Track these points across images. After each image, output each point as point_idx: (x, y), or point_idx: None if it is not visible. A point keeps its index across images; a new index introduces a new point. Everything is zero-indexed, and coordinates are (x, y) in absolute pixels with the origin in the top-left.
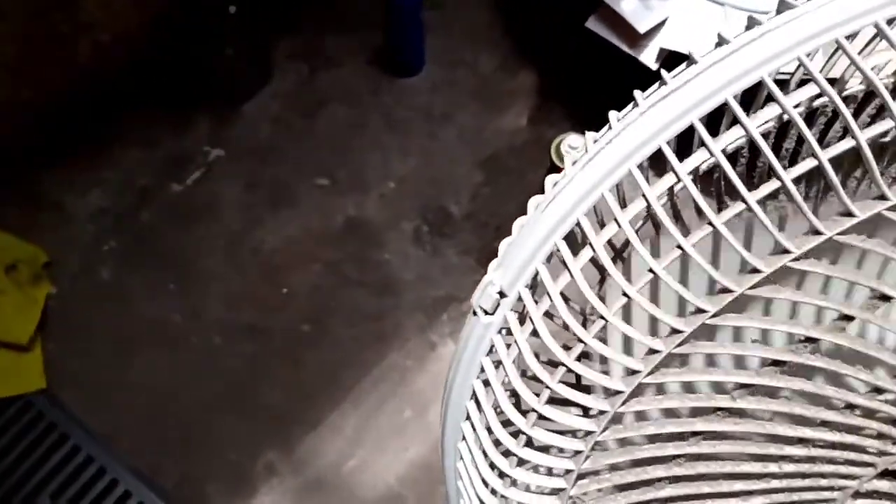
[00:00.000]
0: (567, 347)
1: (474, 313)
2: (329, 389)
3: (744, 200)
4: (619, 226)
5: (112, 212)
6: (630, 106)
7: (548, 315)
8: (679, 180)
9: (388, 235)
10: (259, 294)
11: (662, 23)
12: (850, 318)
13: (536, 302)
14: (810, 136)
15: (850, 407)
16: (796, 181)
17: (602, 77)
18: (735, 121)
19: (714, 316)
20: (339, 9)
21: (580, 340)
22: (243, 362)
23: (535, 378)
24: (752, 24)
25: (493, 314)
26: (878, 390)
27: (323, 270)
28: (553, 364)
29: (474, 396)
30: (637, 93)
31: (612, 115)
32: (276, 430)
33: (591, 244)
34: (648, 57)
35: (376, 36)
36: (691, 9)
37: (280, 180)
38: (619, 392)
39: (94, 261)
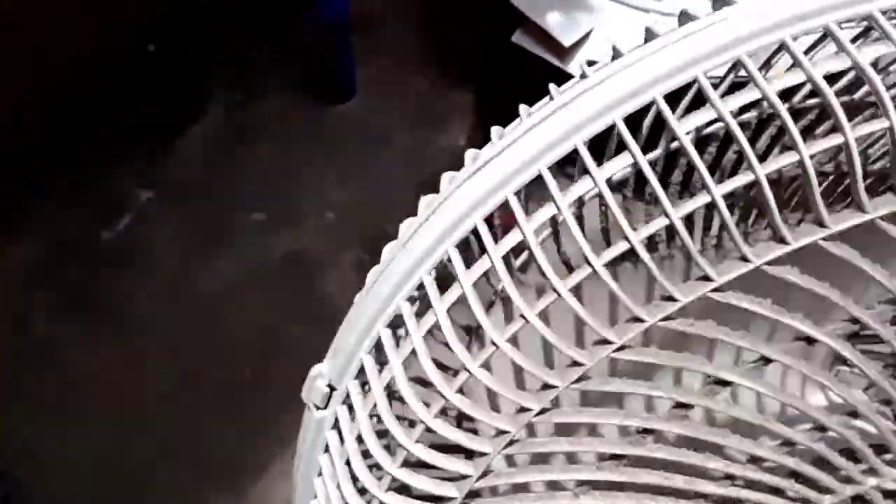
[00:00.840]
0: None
1: (308, 408)
2: (277, 434)
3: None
4: (437, 316)
5: (40, 266)
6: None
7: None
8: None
9: (329, 268)
10: (199, 340)
11: (589, 34)
12: (725, 383)
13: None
14: (747, 148)
15: (729, 477)
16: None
17: (536, 90)
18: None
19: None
20: (268, 39)
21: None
22: (186, 412)
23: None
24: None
25: (325, 409)
26: (756, 459)
27: (264, 309)
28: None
29: (316, 497)
30: (470, 152)
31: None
32: (223, 481)
33: (410, 334)
34: (577, 68)
35: (306, 65)
36: (617, 18)
37: (215, 218)
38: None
39: (23, 319)
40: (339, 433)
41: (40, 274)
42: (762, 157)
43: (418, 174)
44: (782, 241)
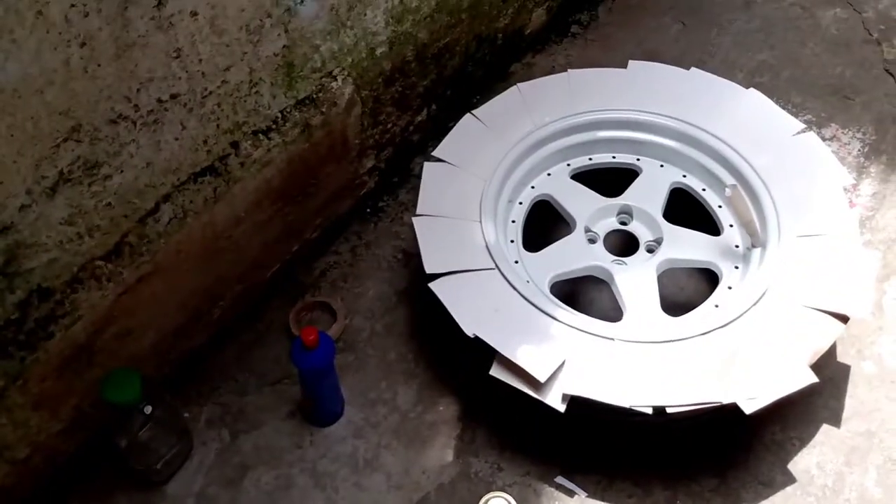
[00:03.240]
0: None
1: None
2: None
3: None
4: None
5: None
6: None
7: None
8: None
9: None
10: None
11: (562, 365)
12: None
13: None
14: None
15: None
16: None
17: (518, 401)
18: None
19: None
20: (254, 368)
21: None
22: None
23: None
24: None
25: None
26: None
27: None
28: None
29: None
30: None
31: None
32: None
33: None
34: (554, 400)
35: (293, 388)
36: (585, 347)
37: None
38: None
39: None
40: None
41: None
42: None
43: (409, 497)
44: None
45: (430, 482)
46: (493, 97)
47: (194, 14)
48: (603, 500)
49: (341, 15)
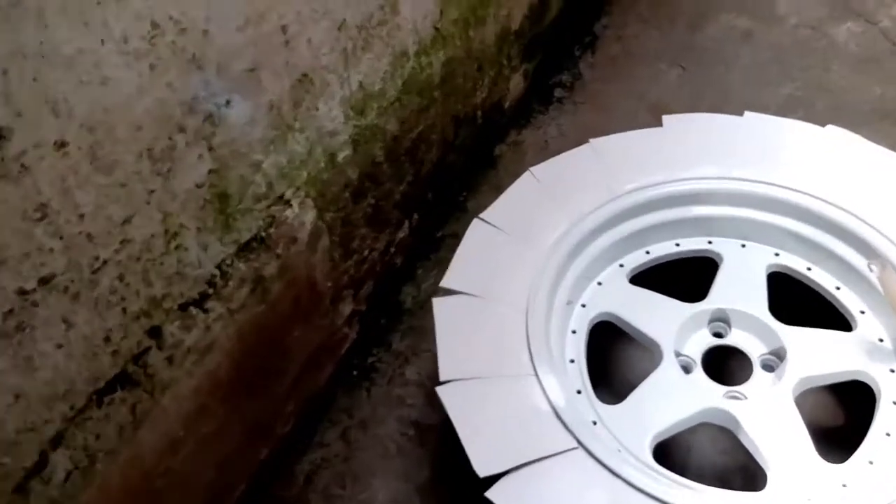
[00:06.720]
0: None
1: None
2: None
3: None
4: None
5: None
6: None
7: None
8: None
9: None
10: None
11: None
12: None
13: None
14: None
15: None
16: None
17: None
18: None
19: None
20: None
21: None
22: None
23: None
24: None
25: None
26: None
27: None
28: None
29: None
30: None
31: None
32: None
33: None
34: None
35: None
36: None
37: None
38: None
39: None
40: None
41: None
42: None
43: None
44: None
45: None
46: (482, 190)
47: (62, 145)
48: None
49: (285, 115)
